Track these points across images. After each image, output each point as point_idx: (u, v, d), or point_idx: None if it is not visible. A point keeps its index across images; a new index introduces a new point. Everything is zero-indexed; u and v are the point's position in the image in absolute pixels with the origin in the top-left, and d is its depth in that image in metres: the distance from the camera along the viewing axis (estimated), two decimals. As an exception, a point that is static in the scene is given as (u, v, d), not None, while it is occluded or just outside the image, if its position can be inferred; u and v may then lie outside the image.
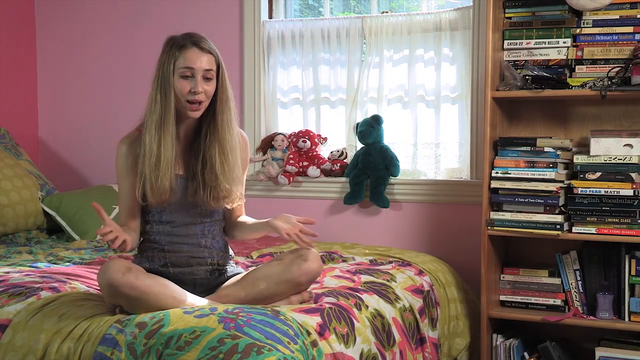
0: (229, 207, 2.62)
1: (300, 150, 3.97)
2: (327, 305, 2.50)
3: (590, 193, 3.05)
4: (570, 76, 3.17)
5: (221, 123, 2.54)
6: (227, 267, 2.67)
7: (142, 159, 2.48)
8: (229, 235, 2.73)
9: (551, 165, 3.13)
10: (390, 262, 3.27)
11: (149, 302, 2.33)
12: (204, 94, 2.48)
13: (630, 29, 3.09)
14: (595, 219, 3.06)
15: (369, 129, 3.79)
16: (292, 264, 2.52)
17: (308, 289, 2.61)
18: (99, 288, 2.64)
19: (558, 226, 3.10)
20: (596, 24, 3.14)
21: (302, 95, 4.06)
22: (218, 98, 2.54)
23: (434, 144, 3.84)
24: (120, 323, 2.26)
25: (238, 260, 3.14)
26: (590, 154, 3.09)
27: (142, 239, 2.64)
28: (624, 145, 3.06)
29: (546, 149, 3.15)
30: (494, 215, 3.20)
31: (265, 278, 2.52)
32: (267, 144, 4.06)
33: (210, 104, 2.54)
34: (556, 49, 3.20)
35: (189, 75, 2.47)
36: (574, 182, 3.09)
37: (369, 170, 3.79)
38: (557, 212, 3.12)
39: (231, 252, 2.74)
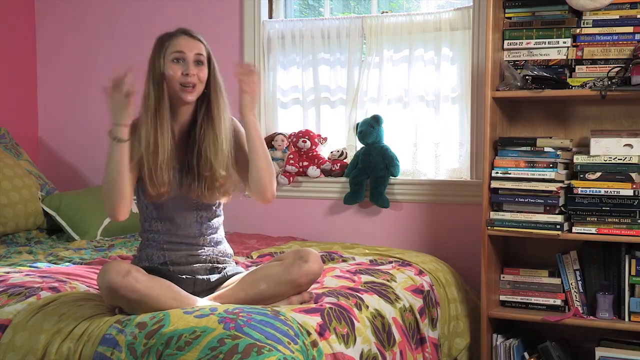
0: (223, 200, 2.64)
1: (300, 150, 3.97)
2: (327, 306, 2.50)
3: (590, 193, 3.05)
4: (570, 76, 3.17)
5: (216, 113, 2.57)
6: (227, 266, 2.67)
7: (137, 149, 2.49)
8: (258, 194, 2.62)
9: (551, 165, 3.13)
10: (390, 262, 3.27)
11: (149, 304, 2.32)
12: (196, 76, 2.52)
13: (630, 29, 3.09)
14: (595, 219, 3.06)
15: (369, 129, 3.79)
16: (293, 265, 2.52)
17: (308, 290, 2.61)
18: (98, 290, 2.66)
19: (558, 226, 3.10)
20: (596, 24, 3.14)
21: (302, 95, 4.06)
22: (211, 89, 2.58)
23: (434, 144, 3.84)
24: (120, 323, 2.26)
25: (238, 260, 3.14)
26: (590, 154, 3.09)
27: (141, 238, 2.67)
28: (624, 145, 3.06)
29: (546, 149, 3.15)
30: (494, 215, 3.20)
31: (266, 279, 2.51)
32: (267, 144, 4.05)
33: (203, 96, 2.57)
34: (556, 49, 3.20)
35: (180, 58, 2.51)
36: (574, 182, 3.09)
37: (369, 170, 3.79)
38: (557, 212, 3.12)
39: (231, 251, 2.74)
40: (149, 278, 2.37)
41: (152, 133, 2.49)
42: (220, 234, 2.71)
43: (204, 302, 2.46)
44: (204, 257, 2.62)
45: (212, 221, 2.66)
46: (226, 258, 2.69)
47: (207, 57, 2.57)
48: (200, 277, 2.59)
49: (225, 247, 2.72)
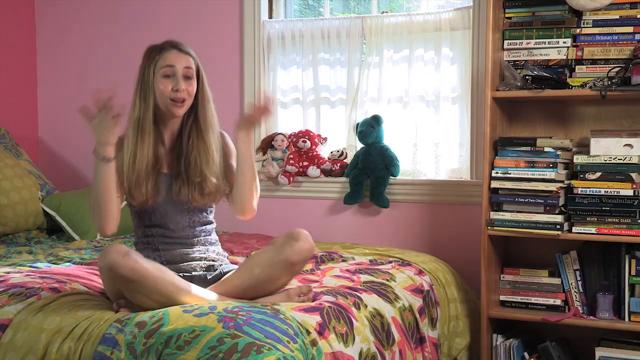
0: (213, 204, 2.70)
1: (300, 150, 3.97)
2: (327, 304, 2.50)
3: (590, 193, 3.05)
4: (570, 76, 3.17)
5: (204, 124, 2.63)
6: (223, 264, 2.70)
7: (121, 160, 2.55)
8: (238, 210, 2.69)
9: (551, 165, 3.13)
10: (390, 262, 3.27)
11: (148, 286, 2.35)
12: (185, 91, 2.57)
13: (630, 29, 3.09)
14: (595, 219, 3.06)
15: (369, 129, 3.79)
16: (285, 245, 2.55)
17: (308, 286, 2.64)
18: (98, 290, 2.67)
19: (558, 226, 3.10)
20: (596, 24, 3.14)
21: (302, 95, 4.06)
22: (199, 100, 2.63)
23: (434, 144, 3.83)
24: (120, 322, 2.27)
25: (237, 260, 3.14)
26: (590, 154, 3.09)
27: (135, 246, 2.70)
28: (624, 145, 3.06)
29: (546, 149, 3.15)
30: (494, 215, 3.20)
31: (260, 263, 2.55)
32: (267, 144, 4.06)
33: (192, 107, 2.63)
34: (556, 49, 3.20)
35: (170, 74, 2.56)
36: (574, 182, 3.09)
37: (369, 170, 3.79)
38: (557, 212, 3.12)
39: (225, 253, 2.80)
40: (148, 261, 2.41)
41: (131, 146, 2.54)
42: (214, 237, 2.76)
43: (202, 291, 2.48)
44: (199, 255, 2.66)
45: (204, 226, 2.71)
46: (221, 257, 2.74)
47: (196, 70, 2.62)
48: (196, 273, 2.62)
49: (220, 248, 2.76)
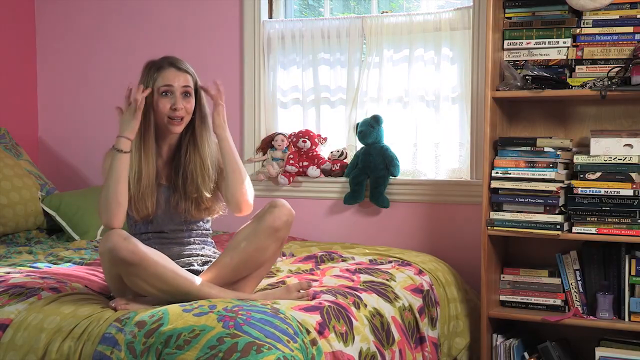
0: (210, 217, 2.75)
1: (300, 150, 3.97)
2: (327, 304, 2.50)
3: (590, 193, 3.05)
4: (570, 76, 3.17)
5: (200, 139, 2.66)
6: None
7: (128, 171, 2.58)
8: (234, 206, 2.69)
9: (551, 165, 3.13)
10: (390, 262, 3.27)
11: (148, 270, 2.38)
12: (184, 109, 2.61)
13: (630, 29, 3.09)
14: (595, 219, 3.06)
15: (369, 129, 3.79)
16: (265, 214, 2.60)
17: (308, 282, 2.66)
18: (98, 290, 2.68)
19: (558, 226, 3.10)
20: (596, 24, 3.14)
21: (302, 95, 4.06)
22: (197, 116, 2.67)
23: (434, 144, 3.83)
24: (120, 322, 2.27)
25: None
26: (590, 154, 3.09)
27: None
28: (624, 145, 3.06)
29: (546, 149, 3.15)
30: (494, 215, 3.20)
31: (245, 237, 2.60)
32: (267, 144, 4.06)
33: (189, 123, 2.66)
34: (556, 49, 3.20)
35: (169, 93, 2.59)
36: (574, 182, 3.09)
37: (369, 170, 3.79)
38: (557, 212, 3.12)
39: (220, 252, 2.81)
40: (148, 247, 2.44)
41: (136, 162, 2.58)
42: (210, 240, 2.80)
43: (199, 280, 2.50)
44: (196, 252, 2.71)
45: (201, 231, 2.76)
46: (217, 255, 2.76)
47: (194, 87, 2.65)
48: (194, 268, 2.64)
49: (216, 248, 2.80)
